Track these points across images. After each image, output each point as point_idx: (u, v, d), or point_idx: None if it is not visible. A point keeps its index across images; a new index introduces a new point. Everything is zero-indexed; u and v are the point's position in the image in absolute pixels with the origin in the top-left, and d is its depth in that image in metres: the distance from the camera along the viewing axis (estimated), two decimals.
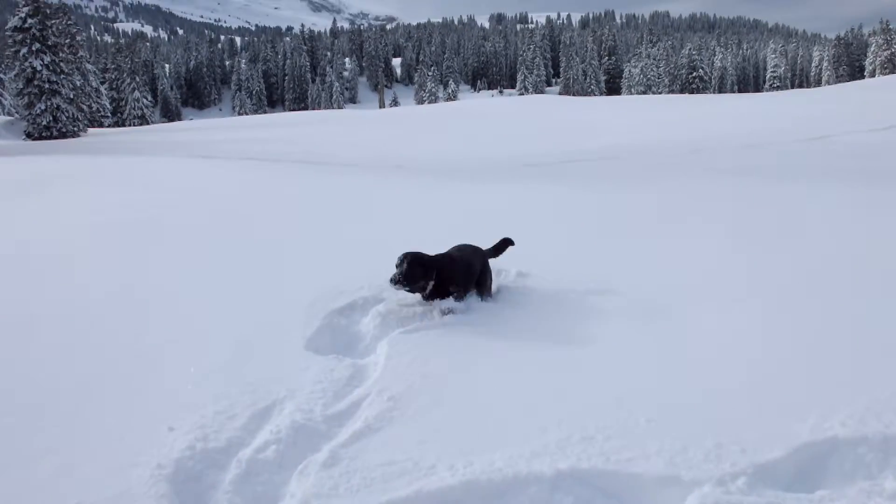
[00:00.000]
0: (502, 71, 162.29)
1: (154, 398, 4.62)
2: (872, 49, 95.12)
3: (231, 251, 8.08)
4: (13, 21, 40.61)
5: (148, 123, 51.03)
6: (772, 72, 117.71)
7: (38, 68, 40.69)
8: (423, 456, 3.94)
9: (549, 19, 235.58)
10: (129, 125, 50.04)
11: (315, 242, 8.39)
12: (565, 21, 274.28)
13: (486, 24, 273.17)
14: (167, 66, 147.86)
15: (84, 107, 44.65)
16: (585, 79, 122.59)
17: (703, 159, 14.72)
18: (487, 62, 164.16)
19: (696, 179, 12.38)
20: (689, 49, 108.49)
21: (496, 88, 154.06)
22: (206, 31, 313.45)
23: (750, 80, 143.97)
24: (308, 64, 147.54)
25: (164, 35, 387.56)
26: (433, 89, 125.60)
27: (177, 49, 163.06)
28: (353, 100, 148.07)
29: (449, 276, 5.88)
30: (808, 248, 7.46)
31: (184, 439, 4.13)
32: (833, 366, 4.77)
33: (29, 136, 41.90)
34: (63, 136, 41.20)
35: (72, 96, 42.30)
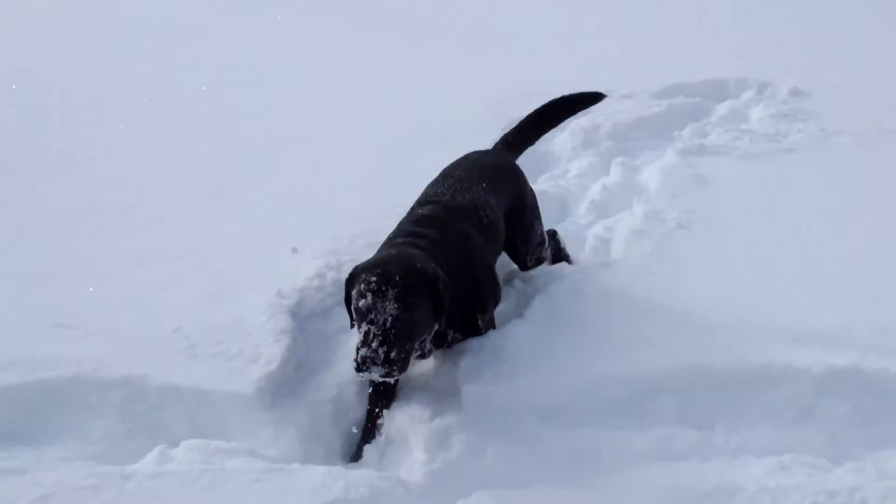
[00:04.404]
0: None
1: (274, 211, 4.73)
2: None
3: (389, 25, 7.95)
4: None
5: None
6: None
7: None
8: None
9: None
10: None
11: (500, 28, 8.06)
12: None
13: None
14: None
15: None
16: None
17: None
18: None
19: None
20: None
21: None
22: None
23: None
24: None
25: None
26: None
27: None
28: None
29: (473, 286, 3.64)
30: None
31: (311, 266, 4.19)
32: None
33: None
34: None
35: None
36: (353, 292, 3.26)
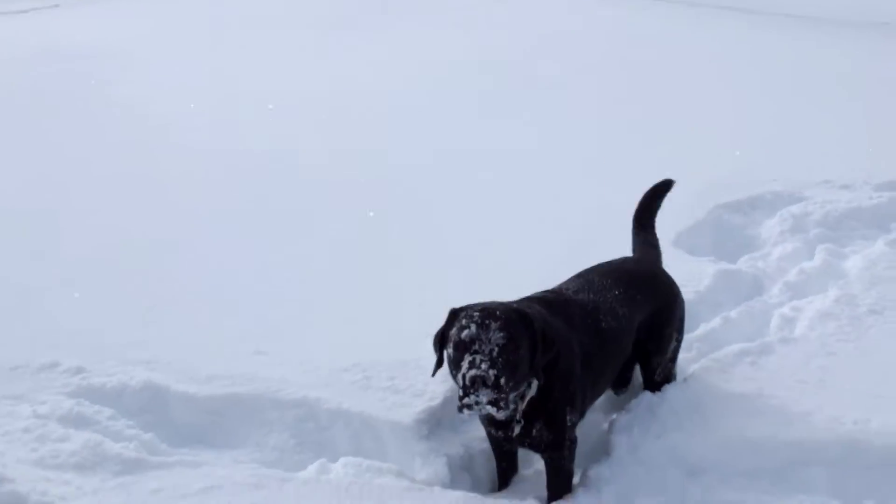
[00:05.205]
0: None
1: (456, 280, 4.91)
2: None
3: (597, 108, 8.12)
4: None
5: None
6: None
7: None
8: None
9: None
10: None
11: (715, 109, 7.96)
12: None
13: None
14: None
15: None
16: None
17: None
18: None
19: None
20: None
21: None
22: None
23: None
24: None
25: None
26: None
27: None
28: None
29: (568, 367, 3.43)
30: None
31: None
32: None
33: None
34: None
35: None
36: (454, 330, 3.20)
